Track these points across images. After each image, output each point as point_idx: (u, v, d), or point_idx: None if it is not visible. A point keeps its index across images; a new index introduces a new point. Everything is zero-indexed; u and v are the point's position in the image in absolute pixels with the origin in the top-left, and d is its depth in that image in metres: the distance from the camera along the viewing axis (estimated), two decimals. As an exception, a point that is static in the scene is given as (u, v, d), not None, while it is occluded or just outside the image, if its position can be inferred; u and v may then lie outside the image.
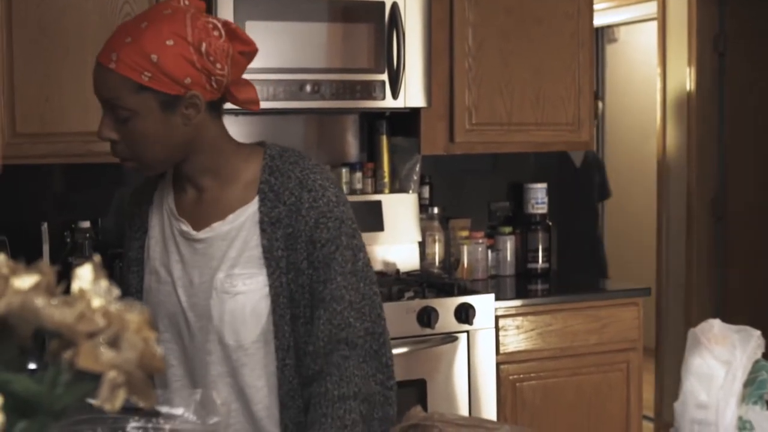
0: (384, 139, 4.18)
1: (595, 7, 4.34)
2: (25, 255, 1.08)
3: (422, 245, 4.19)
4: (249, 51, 1.84)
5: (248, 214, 1.87)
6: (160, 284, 1.93)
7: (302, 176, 1.86)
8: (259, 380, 1.87)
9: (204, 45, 1.76)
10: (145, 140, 1.80)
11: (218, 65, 1.78)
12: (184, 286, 1.90)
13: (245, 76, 1.88)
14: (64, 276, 0.86)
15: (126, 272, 2.02)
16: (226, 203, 1.89)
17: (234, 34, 1.82)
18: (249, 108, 1.89)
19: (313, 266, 1.84)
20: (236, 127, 3.73)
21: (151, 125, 1.78)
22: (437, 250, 4.19)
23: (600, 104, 5.81)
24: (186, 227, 1.91)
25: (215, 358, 1.87)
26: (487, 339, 3.74)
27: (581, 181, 5.38)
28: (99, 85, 1.80)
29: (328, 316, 1.82)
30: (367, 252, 1.93)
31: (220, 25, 1.80)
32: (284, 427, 1.87)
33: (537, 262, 4.36)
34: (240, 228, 1.86)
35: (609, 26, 6.52)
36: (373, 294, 1.91)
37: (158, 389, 1.87)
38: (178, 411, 1.16)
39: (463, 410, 3.70)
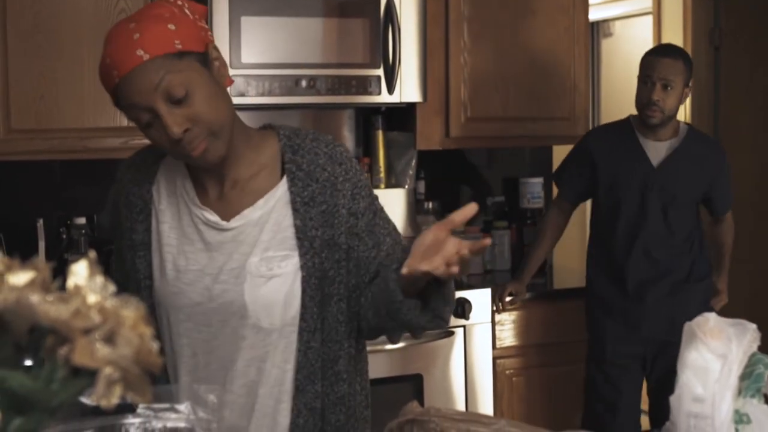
0: (380, 134, 4.17)
1: (590, 1, 4.34)
2: (21, 251, 1.08)
3: (418, 240, 4.18)
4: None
5: (278, 196, 1.85)
6: (179, 273, 1.86)
7: (329, 151, 1.90)
8: (288, 363, 1.86)
9: (186, 6, 1.77)
10: (209, 103, 1.74)
11: (203, 23, 1.80)
12: (212, 273, 1.84)
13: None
14: (60, 272, 0.86)
15: (131, 256, 1.92)
16: (252, 189, 1.86)
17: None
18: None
19: (358, 237, 1.87)
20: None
21: (205, 85, 1.74)
22: (433, 245, 4.18)
23: None
24: (213, 216, 1.86)
25: (248, 343, 1.84)
26: (483, 333, 3.74)
27: None
28: (144, 84, 1.70)
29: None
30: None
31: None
32: (297, 413, 1.85)
33: (533, 256, 4.36)
34: (271, 211, 1.84)
35: (604, 20, 6.50)
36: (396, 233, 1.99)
37: (185, 378, 1.87)
38: (180, 407, 1.16)
39: (460, 405, 3.70)
